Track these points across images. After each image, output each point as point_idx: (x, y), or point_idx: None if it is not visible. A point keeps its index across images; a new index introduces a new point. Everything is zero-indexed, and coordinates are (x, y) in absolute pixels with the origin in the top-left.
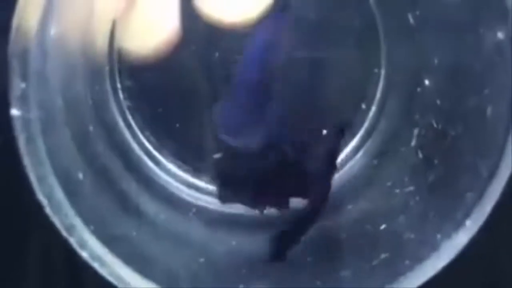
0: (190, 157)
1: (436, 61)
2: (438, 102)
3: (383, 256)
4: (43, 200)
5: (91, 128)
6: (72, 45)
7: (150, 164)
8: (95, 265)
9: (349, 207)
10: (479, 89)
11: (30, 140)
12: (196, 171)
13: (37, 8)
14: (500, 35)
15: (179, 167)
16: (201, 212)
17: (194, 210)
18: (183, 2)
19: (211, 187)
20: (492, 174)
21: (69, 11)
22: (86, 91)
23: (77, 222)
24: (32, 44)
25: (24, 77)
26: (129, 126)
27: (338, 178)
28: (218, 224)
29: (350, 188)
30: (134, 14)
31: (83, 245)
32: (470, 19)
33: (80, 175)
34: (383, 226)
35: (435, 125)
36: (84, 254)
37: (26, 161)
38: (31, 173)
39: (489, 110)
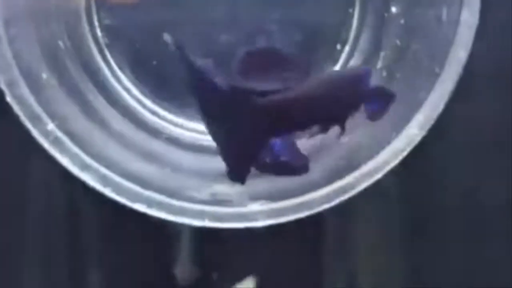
0: (165, 92)
1: None
2: (402, 21)
3: (341, 163)
4: (5, 89)
5: (60, 43)
6: None
7: (126, 96)
8: (55, 151)
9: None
10: None
11: None
12: (171, 106)
13: None
14: None
15: (153, 101)
16: (173, 138)
17: (165, 136)
18: None
19: (183, 121)
20: (442, 68)
21: None
22: (58, 9)
23: (40, 112)
24: None
25: None
26: (107, 62)
27: None
28: (190, 149)
29: None
30: None
31: (47, 135)
32: None
33: (44, 76)
34: (345, 139)
35: (398, 43)
36: (45, 145)
37: None
38: None
39: (444, 14)
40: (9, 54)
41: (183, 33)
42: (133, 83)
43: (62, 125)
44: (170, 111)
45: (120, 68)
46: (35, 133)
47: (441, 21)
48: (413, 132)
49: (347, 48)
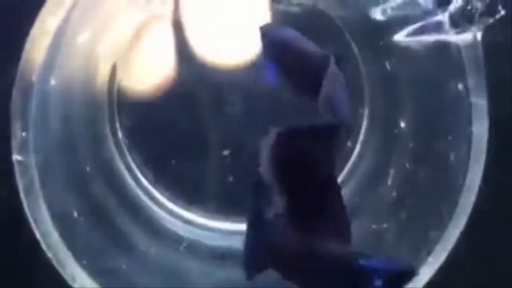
0: (185, 191)
1: (409, 106)
2: (411, 145)
3: None
4: (39, 238)
5: (87, 168)
6: (72, 91)
7: (146, 199)
8: None
9: None
10: (444, 135)
11: (28, 184)
12: (191, 205)
13: (38, 62)
14: (460, 87)
15: (174, 202)
16: (192, 246)
17: (185, 244)
18: (179, 43)
19: (203, 221)
20: (451, 214)
21: (69, 62)
22: (84, 133)
23: (69, 257)
24: (33, 96)
25: (24, 127)
26: (126, 163)
27: None
28: (208, 258)
29: None
30: (134, 55)
31: (74, 279)
32: (435, 70)
33: (75, 214)
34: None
35: (407, 166)
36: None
37: (24, 204)
38: (28, 214)
39: (452, 156)
40: (43, 205)
41: (201, 129)
42: (153, 185)
43: (90, 264)
44: (189, 210)
45: (140, 170)
46: (65, 276)
47: (448, 161)
48: (424, 273)
49: (357, 147)
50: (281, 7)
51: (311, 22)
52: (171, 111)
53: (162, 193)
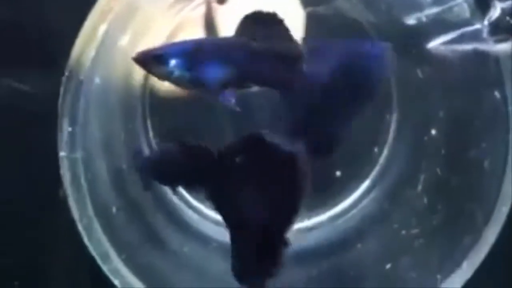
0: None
1: (441, 113)
2: (443, 151)
3: None
4: (82, 232)
5: (123, 166)
6: (109, 91)
7: (177, 200)
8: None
9: (359, 245)
10: (478, 142)
11: (74, 178)
12: None
13: (87, 63)
14: (497, 94)
15: (204, 203)
16: (221, 246)
17: (214, 244)
18: None
19: None
20: (487, 220)
21: (111, 63)
22: (120, 130)
23: (111, 252)
24: (81, 94)
25: (72, 123)
26: None
27: (351, 217)
28: None
29: (361, 228)
30: None
31: (116, 273)
32: (471, 78)
33: (114, 209)
34: (388, 266)
35: (439, 173)
36: (116, 282)
37: (70, 198)
38: (73, 209)
39: (486, 163)
40: (88, 200)
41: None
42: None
43: (128, 259)
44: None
45: None
46: (105, 270)
47: (482, 168)
48: (458, 279)
49: (385, 151)
50: (312, 11)
51: (340, 28)
52: (199, 114)
53: (192, 195)
